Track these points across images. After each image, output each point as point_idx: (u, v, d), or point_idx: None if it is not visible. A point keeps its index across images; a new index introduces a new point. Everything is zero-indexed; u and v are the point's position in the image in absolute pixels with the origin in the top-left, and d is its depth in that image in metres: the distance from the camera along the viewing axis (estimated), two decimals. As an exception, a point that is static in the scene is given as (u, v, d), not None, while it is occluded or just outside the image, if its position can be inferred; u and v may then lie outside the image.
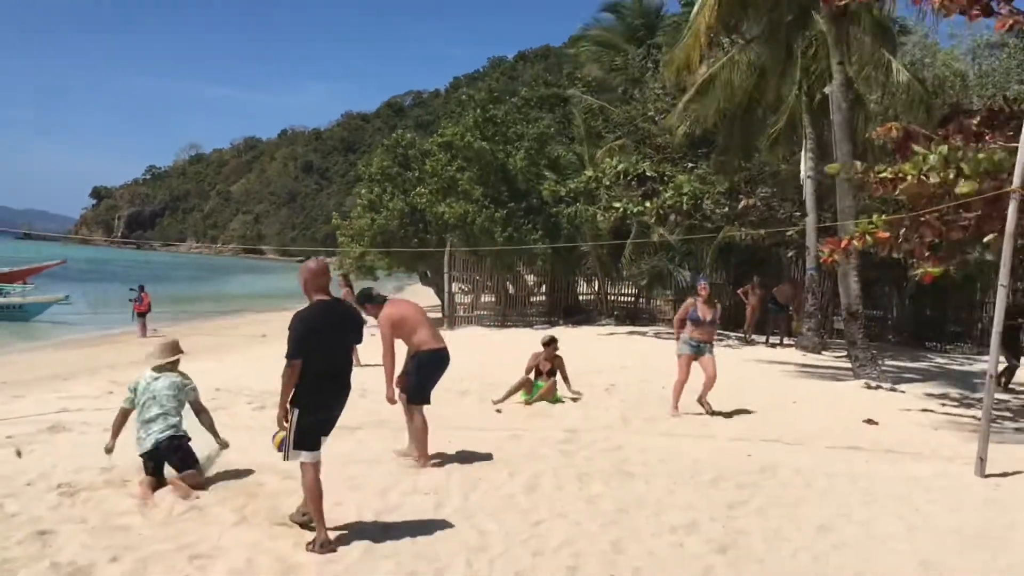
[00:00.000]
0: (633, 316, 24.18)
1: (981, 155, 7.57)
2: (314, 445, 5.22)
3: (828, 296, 18.93)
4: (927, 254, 8.68)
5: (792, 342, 18.40)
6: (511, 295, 24.51)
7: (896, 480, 7.19)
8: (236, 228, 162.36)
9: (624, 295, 25.60)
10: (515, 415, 9.75)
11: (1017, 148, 7.24)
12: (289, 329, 5.18)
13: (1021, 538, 5.78)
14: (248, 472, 6.67)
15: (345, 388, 5.40)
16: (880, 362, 13.77)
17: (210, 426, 6.61)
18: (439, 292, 24.14)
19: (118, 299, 25.70)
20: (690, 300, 10.06)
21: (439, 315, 23.08)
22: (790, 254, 20.59)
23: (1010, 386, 12.99)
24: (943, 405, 11.55)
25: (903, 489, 6.88)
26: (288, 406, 5.16)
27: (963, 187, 7.57)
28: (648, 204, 19.63)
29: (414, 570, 4.81)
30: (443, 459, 7.30)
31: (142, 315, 22.20)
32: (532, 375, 10.66)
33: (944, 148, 7.76)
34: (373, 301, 7.25)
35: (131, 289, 23.16)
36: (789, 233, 18.99)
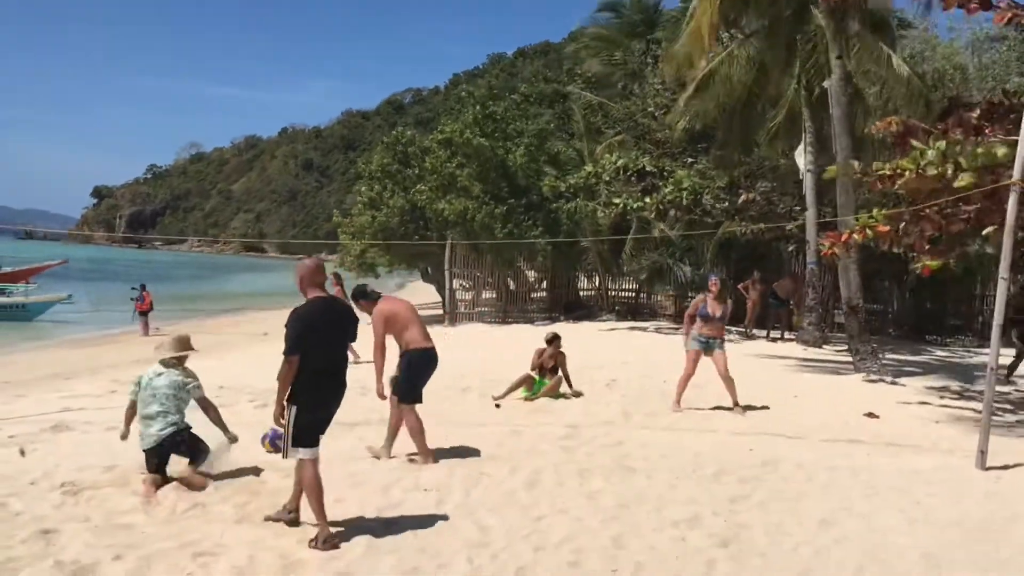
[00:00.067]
0: (634, 312, 24.17)
1: (980, 149, 7.57)
2: (312, 442, 5.24)
3: (828, 290, 18.90)
4: (927, 248, 8.68)
5: (793, 336, 18.40)
6: (512, 291, 24.51)
7: (897, 473, 7.20)
8: (237, 227, 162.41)
9: (625, 291, 25.59)
10: (516, 411, 9.76)
11: (1017, 141, 7.25)
12: (287, 326, 5.20)
13: (1022, 530, 5.79)
14: (250, 470, 6.69)
15: (342, 385, 5.43)
16: (881, 356, 13.76)
17: (218, 421, 6.61)
18: (440, 289, 24.17)
19: (120, 298, 25.76)
20: (700, 296, 10.07)
21: (440, 312, 23.13)
22: (790, 249, 20.57)
23: (1011, 378, 12.98)
24: (944, 398, 11.56)
25: (904, 482, 6.89)
26: (286, 403, 5.18)
27: (961, 181, 7.57)
28: (648, 200, 19.62)
29: (416, 566, 4.83)
30: (444, 455, 7.32)
31: (144, 314, 22.28)
32: (537, 372, 10.68)
33: (942, 143, 7.77)
34: (367, 297, 7.29)
35: (133, 288, 23.22)
36: (789, 228, 18.98)
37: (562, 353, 10.79)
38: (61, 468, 6.64)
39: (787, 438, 8.54)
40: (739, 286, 19.03)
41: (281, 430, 6.91)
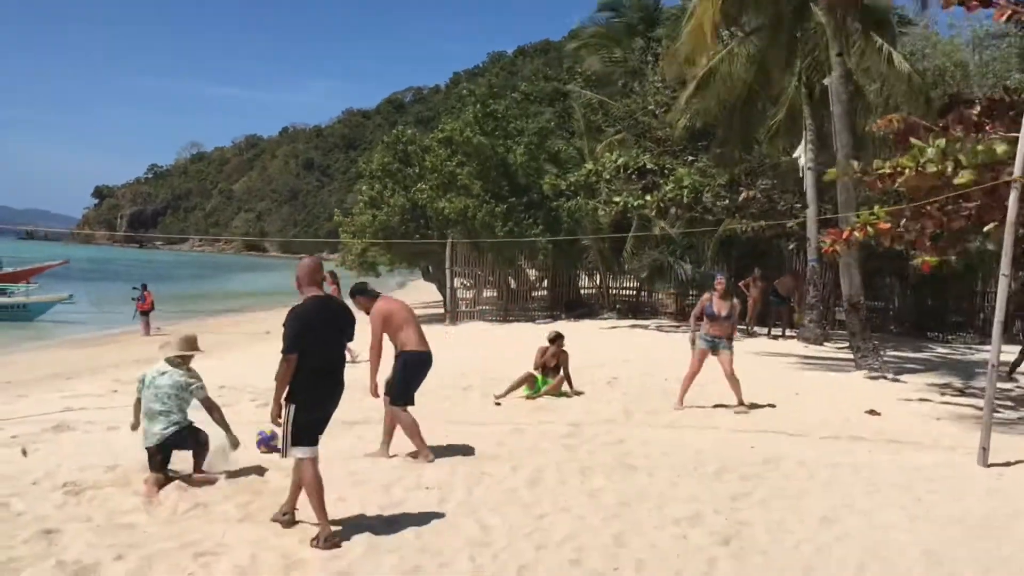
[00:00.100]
0: (635, 309, 24.18)
1: (980, 147, 7.56)
2: (311, 441, 5.25)
3: (830, 287, 18.89)
4: (928, 244, 8.68)
5: (794, 334, 18.41)
6: (513, 290, 24.52)
7: (898, 470, 7.20)
8: (238, 226, 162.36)
9: (626, 289, 25.60)
10: (517, 409, 9.76)
11: (1017, 138, 7.24)
12: (285, 325, 5.21)
13: None
14: (252, 469, 6.69)
15: (339, 384, 5.44)
16: (882, 353, 13.77)
17: (221, 422, 6.60)
18: (441, 288, 24.17)
19: (121, 298, 25.77)
20: (707, 295, 10.06)
21: (441, 311, 23.13)
22: (791, 246, 20.56)
23: (1013, 375, 12.97)
24: (945, 395, 11.56)
25: (906, 479, 6.89)
26: (284, 403, 5.18)
27: (961, 178, 7.57)
28: (648, 197, 19.63)
29: (418, 565, 4.83)
30: (445, 454, 7.32)
31: (145, 314, 22.29)
32: (540, 371, 10.68)
33: (942, 141, 7.76)
34: (366, 294, 7.32)
35: (134, 288, 23.24)
36: (790, 225, 18.97)
37: (565, 352, 10.78)
38: (63, 468, 6.65)
39: (788, 435, 8.54)
40: (740, 284, 19.03)
41: (273, 433, 6.95)
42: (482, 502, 6.02)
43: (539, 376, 10.64)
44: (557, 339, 10.82)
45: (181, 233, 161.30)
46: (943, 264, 8.67)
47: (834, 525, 5.69)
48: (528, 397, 10.35)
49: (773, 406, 10.07)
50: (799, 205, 18.83)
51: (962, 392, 11.82)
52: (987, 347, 8.78)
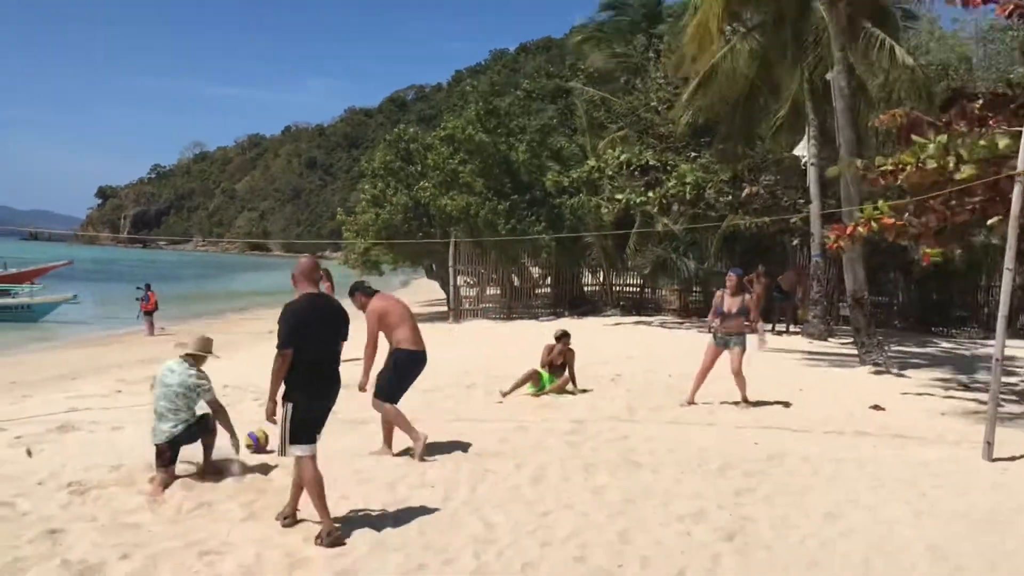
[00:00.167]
0: (639, 306, 24.17)
1: (982, 142, 7.54)
2: (309, 439, 5.25)
3: (834, 283, 18.87)
4: (932, 239, 8.66)
5: (798, 330, 18.38)
6: (516, 287, 24.52)
7: (903, 465, 7.19)
8: (241, 225, 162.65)
9: (629, 285, 25.60)
10: (522, 406, 9.76)
11: (1020, 132, 7.22)
12: (280, 321, 5.22)
13: (1028, 522, 5.77)
14: (256, 468, 6.70)
15: (336, 382, 5.44)
16: (886, 348, 13.74)
17: (227, 425, 6.60)
18: (444, 286, 24.18)
19: (125, 298, 25.79)
20: (719, 292, 10.07)
21: (445, 309, 23.14)
22: (795, 242, 20.54)
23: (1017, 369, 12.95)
24: (949, 390, 11.53)
25: (910, 474, 6.88)
26: (281, 401, 5.19)
27: (963, 173, 7.55)
28: (651, 194, 19.59)
29: (423, 562, 4.83)
30: (449, 451, 7.33)
31: (149, 314, 22.33)
32: (547, 369, 10.67)
33: (943, 137, 7.74)
34: (364, 292, 7.35)
35: (138, 288, 23.27)
36: (793, 220, 18.93)
37: (571, 350, 10.77)
38: (68, 468, 6.66)
39: (792, 431, 8.54)
40: (744, 279, 19.01)
41: (257, 435, 7.09)
42: (486, 499, 6.03)
43: (545, 373, 10.64)
44: (563, 337, 10.81)
45: (184, 233, 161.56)
46: (946, 258, 8.65)
47: (838, 520, 5.69)
48: (533, 394, 10.35)
49: (788, 404, 10.00)
50: (802, 201, 18.80)
51: (966, 387, 11.79)
52: (991, 342, 8.77)
